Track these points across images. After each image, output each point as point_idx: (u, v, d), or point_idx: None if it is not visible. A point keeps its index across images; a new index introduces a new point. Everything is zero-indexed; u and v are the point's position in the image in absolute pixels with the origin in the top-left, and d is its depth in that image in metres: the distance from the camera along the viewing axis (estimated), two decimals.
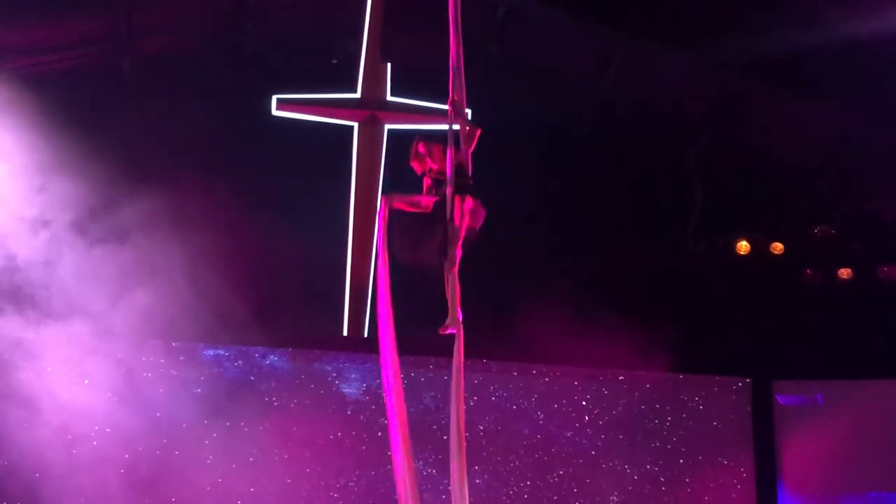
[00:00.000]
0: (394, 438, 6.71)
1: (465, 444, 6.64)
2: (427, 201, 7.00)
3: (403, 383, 11.30)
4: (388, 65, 11.85)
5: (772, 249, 12.24)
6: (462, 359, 6.70)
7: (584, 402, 11.76)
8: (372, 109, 11.85)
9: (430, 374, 11.30)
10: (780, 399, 11.94)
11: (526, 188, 11.83)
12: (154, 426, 10.79)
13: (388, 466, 11.17)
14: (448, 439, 6.78)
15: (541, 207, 11.88)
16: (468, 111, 7.09)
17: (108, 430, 10.65)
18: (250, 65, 11.76)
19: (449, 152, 6.81)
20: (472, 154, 6.92)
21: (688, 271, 12.17)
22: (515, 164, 11.61)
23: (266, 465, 11.02)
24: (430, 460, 11.20)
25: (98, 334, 10.36)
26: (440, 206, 6.81)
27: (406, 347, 11.36)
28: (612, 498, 11.60)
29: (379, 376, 11.35)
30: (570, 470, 11.60)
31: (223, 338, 11.06)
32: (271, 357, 11.37)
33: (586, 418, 11.73)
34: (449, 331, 6.68)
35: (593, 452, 11.66)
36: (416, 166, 7.15)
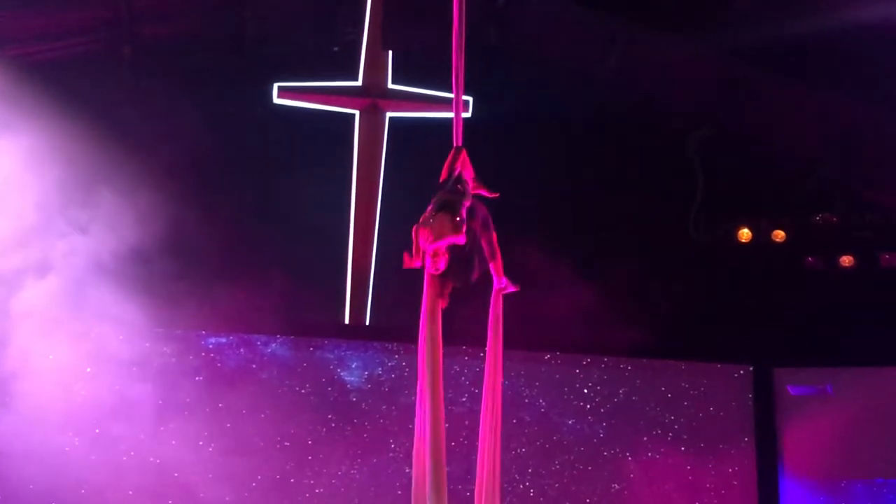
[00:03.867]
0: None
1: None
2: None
3: (405, 371, 11.43)
4: (390, 52, 11.83)
5: (773, 237, 12.22)
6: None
7: (585, 390, 11.77)
8: (373, 97, 11.83)
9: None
10: (791, 390, 11.92)
11: (526, 175, 11.81)
12: (156, 414, 10.80)
13: (390, 454, 11.25)
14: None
15: (541, 195, 11.86)
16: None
17: (109, 418, 10.67)
18: (251, 52, 11.75)
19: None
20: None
21: (689, 259, 12.17)
22: (516, 152, 11.61)
23: (268, 453, 11.04)
24: None
25: (98, 322, 10.37)
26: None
27: (408, 335, 11.42)
28: (613, 486, 11.60)
29: (380, 364, 11.45)
30: (572, 458, 11.60)
31: (225, 326, 11.08)
32: (273, 345, 11.38)
33: (588, 406, 11.73)
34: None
35: (595, 440, 11.66)
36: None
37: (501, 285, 7.09)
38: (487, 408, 7.02)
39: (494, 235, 7.01)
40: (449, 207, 6.50)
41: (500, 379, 7.05)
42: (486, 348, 7.11)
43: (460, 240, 6.44)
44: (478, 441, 7.13)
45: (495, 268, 7.05)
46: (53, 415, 10.36)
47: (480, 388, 11.42)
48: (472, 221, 6.75)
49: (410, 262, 6.52)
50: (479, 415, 11.39)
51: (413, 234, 6.54)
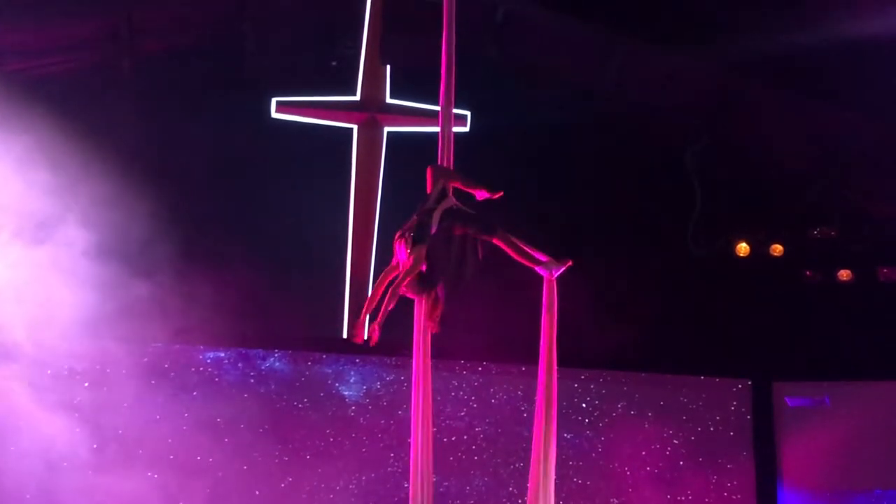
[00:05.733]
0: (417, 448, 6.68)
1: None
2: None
3: (403, 385, 11.42)
4: (388, 67, 11.84)
5: (771, 251, 12.23)
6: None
7: (583, 405, 11.75)
8: (371, 112, 11.82)
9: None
10: (789, 401, 11.93)
11: (523, 190, 11.80)
12: (154, 429, 10.80)
13: (388, 468, 11.24)
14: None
15: (538, 209, 11.87)
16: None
17: (107, 432, 10.65)
18: (249, 66, 11.76)
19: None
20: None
21: (688, 273, 12.17)
22: (513, 166, 11.61)
23: (266, 468, 11.03)
24: None
25: (98, 337, 10.36)
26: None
27: (406, 349, 11.39)
28: (612, 500, 11.58)
29: (378, 379, 11.45)
30: (570, 472, 11.58)
31: (223, 340, 11.08)
32: (271, 359, 11.38)
33: (586, 421, 11.72)
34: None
35: (593, 455, 11.65)
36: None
37: (547, 273, 7.01)
38: (542, 400, 7.34)
39: (503, 235, 7.02)
40: (405, 234, 6.60)
41: (555, 373, 7.33)
42: (541, 340, 7.32)
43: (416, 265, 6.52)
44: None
45: (530, 262, 7.06)
46: (49, 430, 10.36)
47: (478, 403, 11.51)
48: (471, 229, 6.81)
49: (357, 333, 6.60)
50: (475, 430, 11.46)
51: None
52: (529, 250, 7.11)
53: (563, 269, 7.11)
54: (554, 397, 7.07)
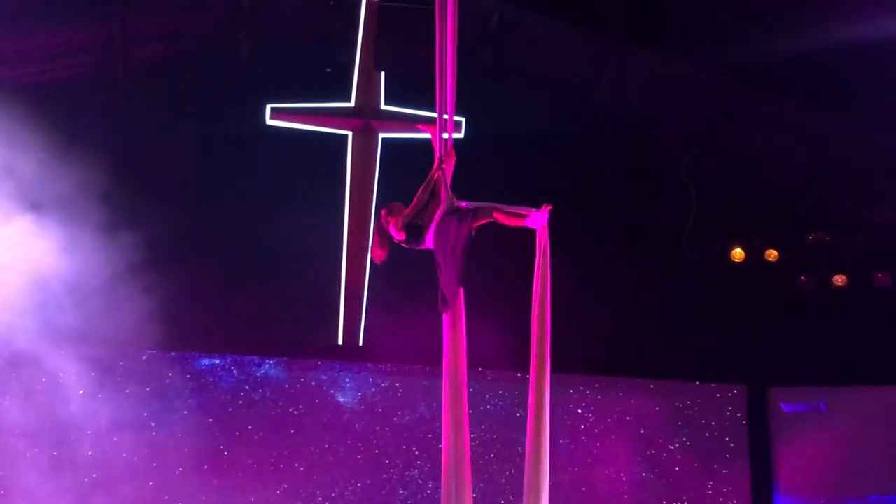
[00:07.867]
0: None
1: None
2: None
3: (398, 392, 11.43)
4: (382, 73, 11.85)
5: (766, 256, 12.23)
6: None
7: (579, 411, 11.75)
8: (366, 118, 11.83)
9: (425, 383, 11.28)
10: (784, 407, 11.92)
11: (518, 196, 11.79)
12: (148, 436, 10.78)
13: (384, 475, 11.24)
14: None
15: None
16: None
17: (103, 439, 10.64)
18: (244, 74, 11.76)
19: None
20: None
21: (683, 278, 12.17)
22: (509, 172, 11.61)
23: (261, 475, 11.01)
24: (426, 469, 11.21)
25: (93, 343, 10.36)
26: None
27: (401, 356, 11.40)
28: None
29: (374, 385, 11.44)
30: (566, 478, 11.57)
31: (218, 347, 11.07)
32: (266, 366, 11.36)
33: (581, 426, 11.71)
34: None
35: (589, 460, 11.64)
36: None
37: (535, 224, 7.30)
38: (535, 355, 7.47)
39: (487, 206, 7.17)
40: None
41: (548, 327, 7.48)
42: (534, 290, 7.56)
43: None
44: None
45: (519, 220, 7.34)
46: (45, 436, 10.37)
47: (472, 409, 11.43)
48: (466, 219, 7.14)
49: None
50: (470, 437, 11.41)
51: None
52: (513, 209, 7.34)
53: (547, 214, 7.33)
54: (547, 351, 7.11)
